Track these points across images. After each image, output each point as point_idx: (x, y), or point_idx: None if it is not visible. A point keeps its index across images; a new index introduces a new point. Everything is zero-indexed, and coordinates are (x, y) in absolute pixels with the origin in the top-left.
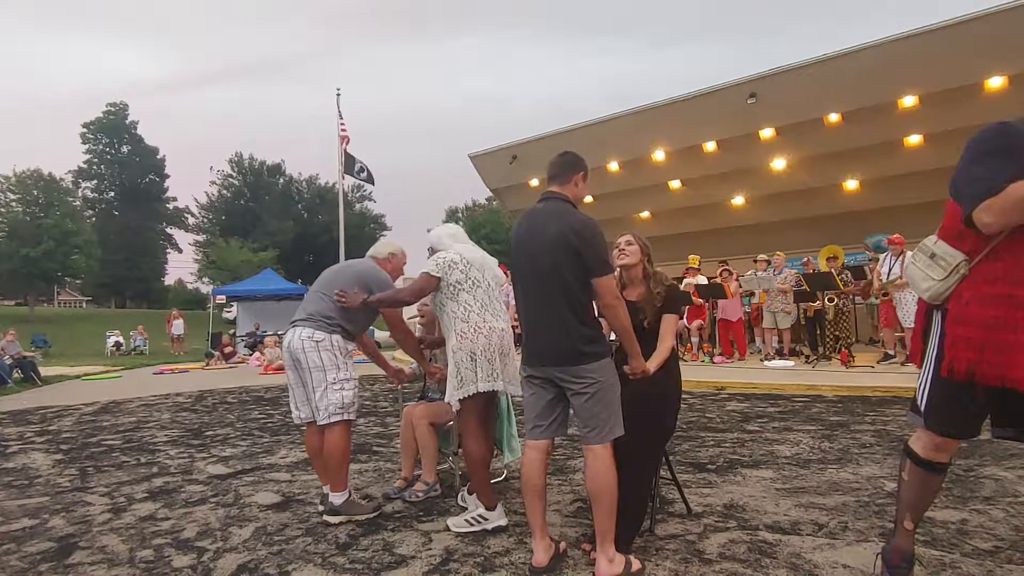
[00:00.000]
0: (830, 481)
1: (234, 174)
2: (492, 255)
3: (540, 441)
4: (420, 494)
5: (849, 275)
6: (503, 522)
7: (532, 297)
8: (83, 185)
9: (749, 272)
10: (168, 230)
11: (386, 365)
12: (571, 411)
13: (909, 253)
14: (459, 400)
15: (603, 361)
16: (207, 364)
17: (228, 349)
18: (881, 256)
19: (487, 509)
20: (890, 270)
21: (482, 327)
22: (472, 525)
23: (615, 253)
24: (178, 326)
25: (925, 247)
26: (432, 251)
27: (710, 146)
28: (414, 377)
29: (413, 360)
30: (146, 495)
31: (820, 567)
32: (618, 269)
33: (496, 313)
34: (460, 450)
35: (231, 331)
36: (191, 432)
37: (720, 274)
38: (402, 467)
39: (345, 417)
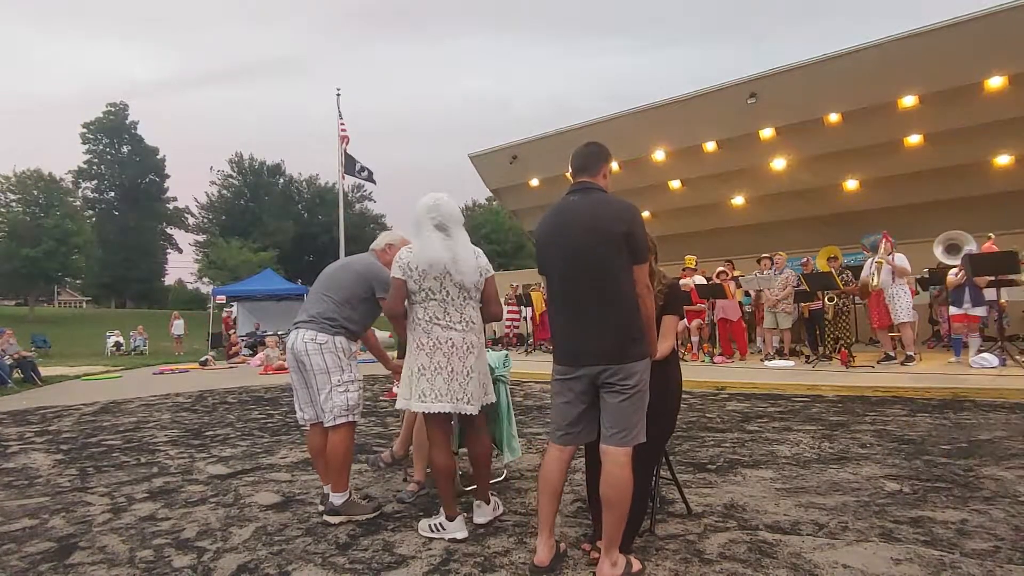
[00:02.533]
0: (830, 481)
1: (234, 174)
2: (492, 256)
3: (567, 447)
4: (409, 496)
5: (850, 275)
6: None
7: (574, 292)
8: (83, 185)
9: (750, 275)
10: (168, 230)
11: (387, 361)
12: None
13: (899, 254)
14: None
15: (646, 361)
16: (206, 364)
17: (235, 348)
18: (870, 256)
19: (447, 519)
20: (876, 271)
21: (425, 343)
22: (432, 531)
23: None
24: (178, 326)
25: None
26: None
27: (710, 146)
28: None
29: None
30: (146, 495)
31: (820, 567)
32: None
33: (450, 322)
34: (460, 450)
35: (231, 331)
36: (191, 432)
37: (717, 275)
38: (415, 470)
39: (350, 419)
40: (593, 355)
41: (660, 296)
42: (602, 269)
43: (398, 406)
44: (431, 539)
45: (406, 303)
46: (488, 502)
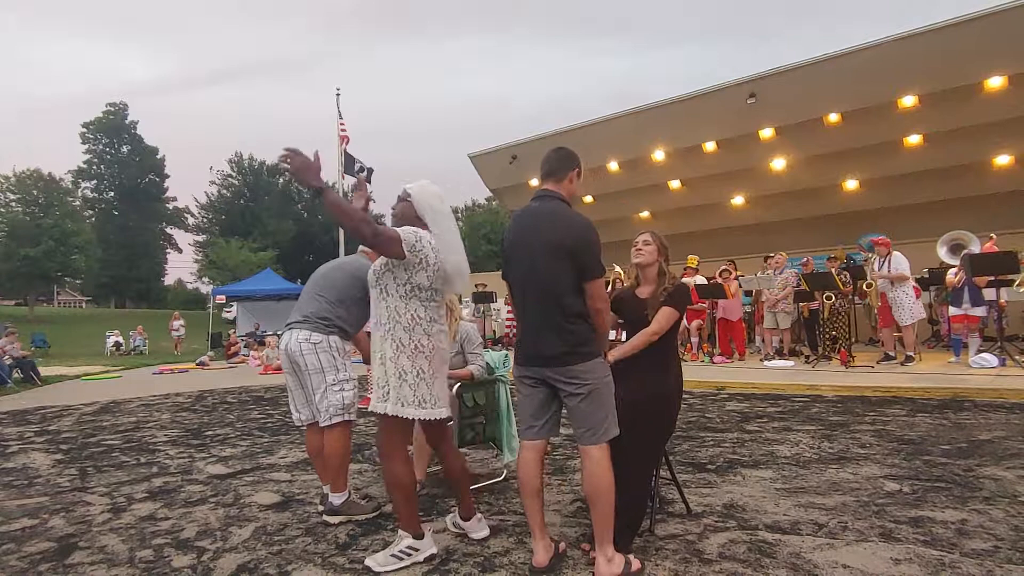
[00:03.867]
0: (830, 481)
1: (234, 174)
2: (492, 256)
3: (535, 441)
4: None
5: (848, 276)
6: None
7: (528, 298)
8: (83, 185)
9: (750, 275)
10: (168, 230)
11: None
12: (564, 412)
13: (896, 253)
14: (384, 414)
15: (595, 361)
16: (204, 364)
17: (234, 349)
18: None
19: (414, 538)
20: (878, 270)
21: (424, 346)
22: (401, 559)
23: (632, 251)
24: (178, 327)
25: None
26: (409, 205)
27: (710, 146)
28: None
29: None
30: (146, 495)
31: (820, 567)
32: (634, 266)
33: (443, 325)
34: (459, 450)
35: (230, 331)
36: (191, 432)
37: (720, 274)
38: (416, 469)
39: (345, 418)
40: (541, 358)
41: (664, 292)
42: (551, 279)
43: (414, 416)
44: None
45: (392, 285)
46: (469, 519)
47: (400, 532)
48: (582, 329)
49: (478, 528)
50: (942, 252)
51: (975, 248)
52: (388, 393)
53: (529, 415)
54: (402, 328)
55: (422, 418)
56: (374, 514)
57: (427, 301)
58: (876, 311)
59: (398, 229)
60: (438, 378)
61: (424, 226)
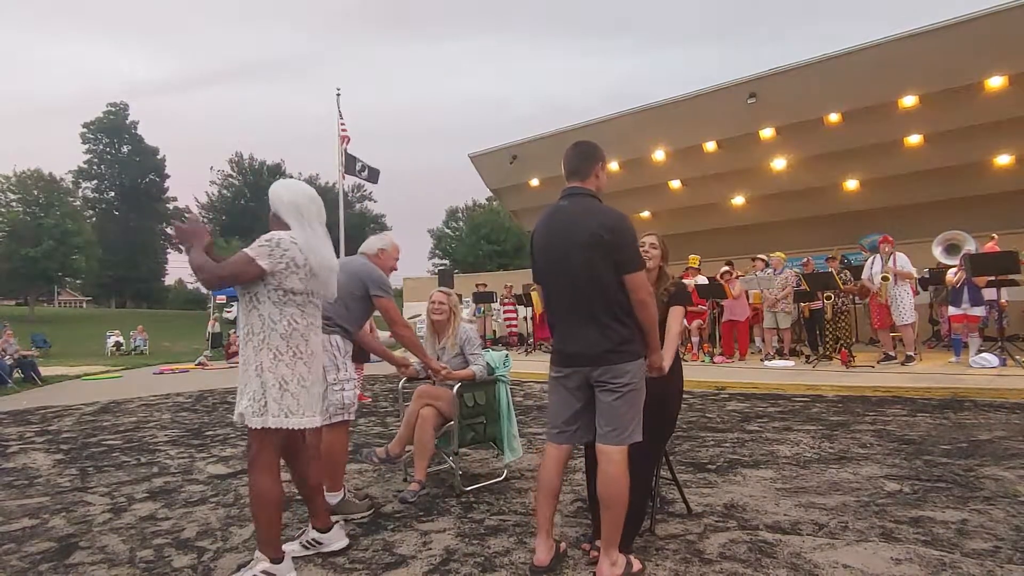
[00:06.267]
0: (830, 481)
1: (234, 174)
2: (492, 256)
3: (564, 446)
4: (411, 496)
5: (849, 275)
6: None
7: (567, 298)
8: (83, 185)
9: (749, 275)
10: (168, 230)
11: (391, 357)
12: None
13: (899, 253)
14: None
15: (639, 361)
16: (203, 365)
17: (233, 348)
18: (871, 256)
19: (272, 563)
20: (882, 268)
21: (303, 351)
22: (307, 548)
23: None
24: (215, 327)
25: None
26: (275, 216)
27: (710, 146)
28: (417, 375)
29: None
30: (146, 495)
31: (820, 567)
32: None
33: (319, 327)
34: (460, 449)
35: (231, 331)
36: (191, 432)
37: (721, 275)
38: (416, 469)
39: (345, 417)
40: (585, 358)
41: (666, 293)
42: (588, 278)
43: (250, 423)
44: (432, 539)
45: (263, 295)
46: (328, 529)
47: (257, 554)
48: (625, 326)
49: (338, 538)
50: (937, 252)
51: (971, 248)
52: (266, 405)
53: (562, 420)
54: (279, 335)
55: (305, 427)
56: (369, 512)
57: (303, 305)
58: (868, 304)
59: (246, 249)
60: (316, 383)
61: (285, 227)
